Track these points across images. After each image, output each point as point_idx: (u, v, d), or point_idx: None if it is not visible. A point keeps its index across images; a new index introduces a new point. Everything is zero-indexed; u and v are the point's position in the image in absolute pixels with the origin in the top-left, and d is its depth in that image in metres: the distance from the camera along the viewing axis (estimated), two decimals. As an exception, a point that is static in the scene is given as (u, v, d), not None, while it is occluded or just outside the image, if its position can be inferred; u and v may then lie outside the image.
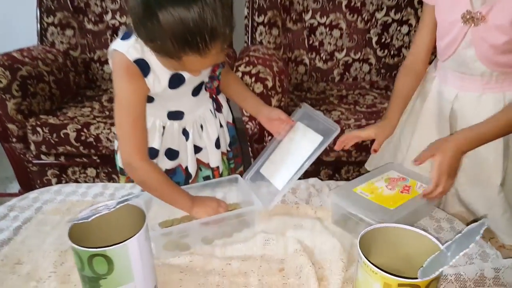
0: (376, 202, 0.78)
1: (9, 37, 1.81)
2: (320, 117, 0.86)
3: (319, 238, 0.77)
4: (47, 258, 0.75)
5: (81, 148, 1.47)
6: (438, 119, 0.97)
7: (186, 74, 0.85)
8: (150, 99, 0.88)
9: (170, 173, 1.00)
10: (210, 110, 0.99)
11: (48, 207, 0.92)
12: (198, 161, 1.02)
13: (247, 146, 1.49)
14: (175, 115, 0.94)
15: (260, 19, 1.76)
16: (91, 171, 1.58)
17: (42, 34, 1.86)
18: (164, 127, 0.95)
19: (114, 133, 1.40)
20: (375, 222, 0.72)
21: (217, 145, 1.01)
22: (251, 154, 1.51)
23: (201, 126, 0.98)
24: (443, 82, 0.96)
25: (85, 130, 1.45)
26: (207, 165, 1.03)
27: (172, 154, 0.99)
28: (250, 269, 0.72)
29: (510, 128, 0.84)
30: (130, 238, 0.58)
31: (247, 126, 1.41)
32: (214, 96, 0.99)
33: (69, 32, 1.87)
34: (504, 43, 0.80)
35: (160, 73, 0.82)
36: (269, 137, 1.43)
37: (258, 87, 1.34)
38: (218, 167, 1.04)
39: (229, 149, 1.07)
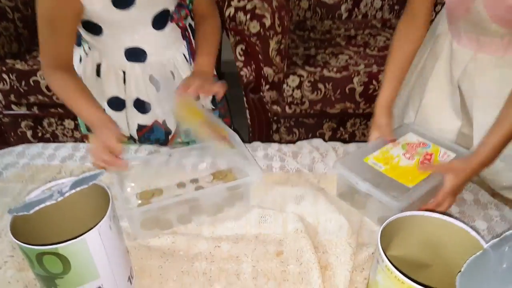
0: (391, 177, 0.66)
1: None
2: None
3: (323, 214, 0.66)
4: (4, 239, 0.65)
5: (54, 97, 1.32)
6: (451, 81, 0.82)
7: None
8: (97, 30, 0.74)
9: (144, 132, 0.87)
10: (184, 55, 0.83)
11: (9, 173, 0.80)
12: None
13: (241, 95, 1.34)
14: (134, 55, 0.79)
15: None
16: (68, 123, 1.44)
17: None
18: (124, 73, 0.80)
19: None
20: (389, 202, 0.60)
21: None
22: (246, 105, 1.36)
23: (172, 74, 0.83)
24: (456, 41, 0.79)
25: (58, 77, 1.29)
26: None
27: (142, 106, 0.84)
28: (243, 252, 0.62)
29: None
30: (89, 230, 0.46)
31: (242, 72, 1.24)
32: (188, 36, 0.83)
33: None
34: None
35: None
36: (267, 86, 1.27)
37: (254, 26, 1.15)
38: None
39: (213, 107, 0.93)
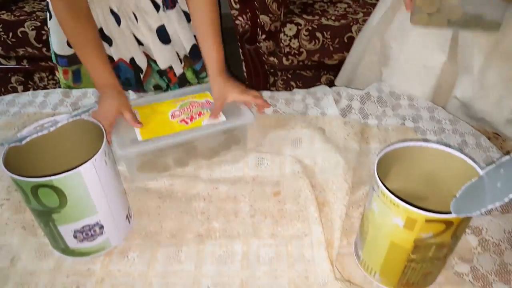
0: None
1: None
2: None
3: (320, 154, 0.66)
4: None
5: (44, 49, 1.28)
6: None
7: None
8: None
9: (114, 68, 0.84)
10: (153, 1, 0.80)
11: (0, 121, 0.79)
12: (146, 56, 0.87)
13: (237, 47, 1.31)
14: None
15: None
16: (60, 77, 1.41)
17: None
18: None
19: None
20: None
21: (163, 38, 0.84)
22: (242, 58, 1.33)
23: (135, 16, 0.81)
24: None
25: (46, 28, 1.25)
26: (159, 71, 0.89)
27: (107, 39, 0.82)
28: (241, 193, 0.62)
29: None
30: (83, 163, 0.46)
31: (237, 21, 1.21)
32: None
33: None
34: None
35: None
36: (263, 36, 1.24)
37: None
38: (171, 68, 0.88)
39: (200, 63, 0.91)
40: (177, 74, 0.89)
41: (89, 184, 0.47)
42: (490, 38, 0.79)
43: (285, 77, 1.36)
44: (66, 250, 0.52)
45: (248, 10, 1.18)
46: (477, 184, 0.42)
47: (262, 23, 1.20)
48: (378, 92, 0.81)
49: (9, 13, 1.29)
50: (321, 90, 0.83)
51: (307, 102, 0.79)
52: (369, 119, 0.76)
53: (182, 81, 0.91)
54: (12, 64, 1.37)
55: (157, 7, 0.81)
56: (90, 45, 0.72)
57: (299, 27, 1.22)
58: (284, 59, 1.28)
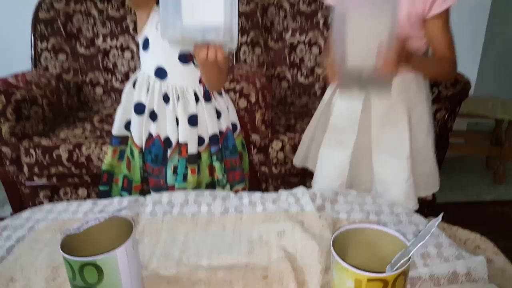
0: None
1: (3, 63, 1.84)
2: None
3: (300, 243, 0.80)
4: (40, 274, 0.77)
5: (72, 168, 1.49)
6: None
7: None
8: (145, 45, 1.03)
9: (149, 143, 1.08)
10: (194, 92, 1.06)
11: (40, 225, 0.94)
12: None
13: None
14: (160, 73, 1.04)
15: (244, 39, 1.83)
16: (82, 191, 1.60)
17: (36, 59, 1.91)
18: (150, 84, 1.05)
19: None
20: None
21: (192, 121, 1.07)
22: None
23: (178, 97, 1.06)
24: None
25: (76, 150, 1.48)
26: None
27: (153, 116, 1.07)
28: (235, 277, 0.75)
29: (439, 71, 1.05)
30: (118, 247, 0.61)
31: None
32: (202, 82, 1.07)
33: (62, 56, 1.92)
34: (405, 32, 0.97)
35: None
36: (255, 150, 1.47)
37: (243, 102, 1.39)
38: (186, 144, 1.08)
39: (216, 148, 1.11)
40: (189, 152, 1.09)
41: (120, 264, 0.61)
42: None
43: (275, 183, 1.55)
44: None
45: (242, 131, 1.43)
46: (405, 252, 0.57)
47: (254, 140, 1.44)
48: (344, 196, 0.99)
49: (48, 139, 1.54)
50: (300, 191, 1.00)
51: (289, 201, 0.96)
52: (340, 214, 0.92)
53: (192, 159, 1.10)
54: (43, 181, 1.57)
55: (197, 98, 1.07)
56: None
57: (284, 143, 1.46)
58: (273, 168, 1.49)
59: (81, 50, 1.93)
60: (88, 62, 1.94)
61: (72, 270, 0.60)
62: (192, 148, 1.09)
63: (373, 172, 1.11)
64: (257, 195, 1.00)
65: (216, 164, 1.13)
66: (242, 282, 0.73)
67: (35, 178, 1.55)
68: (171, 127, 1.08)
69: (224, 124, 1.12)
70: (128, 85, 1.09)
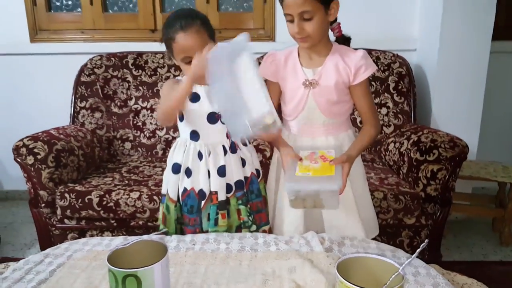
0: (319, 175, 1.03)
1: (47, 118, 2.06)
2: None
3: (309, 276, 0.89)
4: None
5: (101, 212, 1.62)
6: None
7: (200, 92, 1.19)
8: (181, 118, 1.20)
9: (186, 195, 1.22)
10: (223, 146, 1.21)
11: (77, 255, 1.05)
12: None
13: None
14: (193, 136, 1.21)
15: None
16: (107, 234, 1.71)
17: (74, 116, 2.13)
18: (186, 146, 1.22)
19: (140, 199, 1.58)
20: (333, 189, 0.99)
21: (220, 172, 1.21)
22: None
23: (210, 152, 1.20)
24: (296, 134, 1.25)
25: (107, 196, 1.62)
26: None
27: (188, 172, 1.22)
28: None
29: (369, 143, 1.21)
30: (156, 263, 0.72)
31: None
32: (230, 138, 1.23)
33: (97, 114, 2.15)
34: (334, 98, 1.17)
35: None
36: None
37: (258, 156, 1.54)
38: (216, 192, 1.21)
39: (241, 192, 1.25)
40: (219, 199, 1.22)
41: (155, 277, 0.72)
42: None
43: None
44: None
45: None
46: (397, 276, 0.67)
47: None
48: (351, 240, 1.09)
49: (81, 185, 1.69)
50: (310, 235, 1.10)
51: (300, 242, 1.06)
52: (346, 255, 1.01)
53: (222, 206, 1.23)
54: (72, 223, 1.69)
55: (225, 151, 1.21)
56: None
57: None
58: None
59: (115, 109, 2.16)
60: (120, 120, 2.16)
61: (116, 280, 0.71)
62: (221, 196, 1.22)
63: (323, 220, 1.24)
64: (271, 236, 1.11)
65: (242, 208, 1.25)
66: (257, 307, 0.82)
67: (65, 220, 1.68)
68: (204, 179, 1.21)
69: (249, 170, 1.26)
70: (170, 151, 1.27)
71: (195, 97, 1.20)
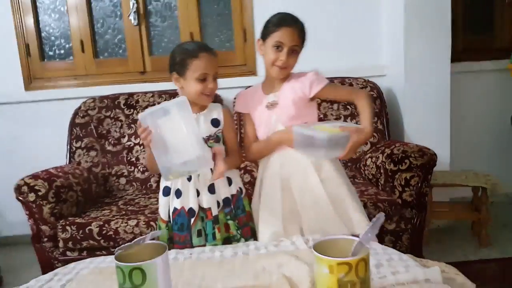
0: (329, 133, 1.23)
1: (45, 161, 2.13)
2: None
3: (295, 268, 1.00)
4: None
5: (102, 241, 1.71)
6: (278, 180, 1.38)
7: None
8: None
9: (176, 214, 1.32)
10: (211, 169, 1.31)
11: (84, 271, 1.15)
12: (199, 205, 1.34)
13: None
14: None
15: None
16: (108, 264, 1.79)
17: (71, 156, 2.25)
18: None
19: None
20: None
21: (211, 190, 1.33)
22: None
23: (199, 175, 1.32)
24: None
25: (106, 225, 1.72)
26: (202, 209, 1.34)
27: (178, 193, 1.33)
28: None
29: (370, 107, 1.35)
30: (158, 257, 0.83)
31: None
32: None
33: (92, 153, 2.27)
34: (292, 113, 1.35)
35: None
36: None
37: (247, 177, 1.67)
38: (210, 209, 1.32)
39: (229, 208, 1.36)
40: (213, 214, 1.33)
41: (158, 270, 0.82)
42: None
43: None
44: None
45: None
46: (358, 244, 0.79)
47: (258, 210, 1.69)
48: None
49: (80, 218, 1.79)
50: (295, 237, 1.21)
51: (287, 244, 1.17)
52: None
53: (216, 219, 1.34)
54: (74, 255, 1.77)
55: (212, 172, 1.31)
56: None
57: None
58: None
59: (109, 147, 2.29)
60: (114, 157, 2.28)
61: (123, 274, 0.81)
62: (215, 211, 1.34)
63: (303, 229, 1.35)
64: (261, 243, 1.22)
65: (230, 222, 1.36)
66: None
67: (68, 252, 1.75)
68: (193, 199, 1.33)
69: (234, 188, 1.38)
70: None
71: None
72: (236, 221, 1.37)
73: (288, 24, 1.31)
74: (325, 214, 1.32)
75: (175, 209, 1.34)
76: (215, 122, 1.37)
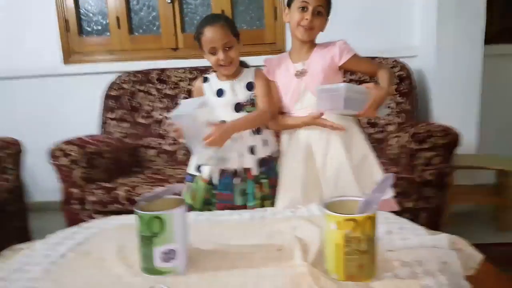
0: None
1: (79, 131, 2.23)
2: None
3: (307, 230, 1.03)
4: (110, 249, 0.99)
5: (127, 205, 1.80)
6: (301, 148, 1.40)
7: (225, 87, 1.41)
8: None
9: (221, 177, 1.40)
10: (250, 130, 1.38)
11: (107, 226, 1.22)
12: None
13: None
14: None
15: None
16: (134, 227, 1.87)
17: (103, 126, 2.35)
18: None
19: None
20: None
21: (251, 151, 1.39)
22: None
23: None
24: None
25: (132, 190, 1.80)
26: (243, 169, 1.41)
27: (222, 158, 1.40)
28: (257, 250, 0.95)
29: (391, 75, 1.41)
30: (176, 208, 0.88)
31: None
32: None
33: (124, 124, 2.36)
34: (321, 81, 1.36)
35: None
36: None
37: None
38: (250, 169, 1.39)
39: (265, 168, 1.42)
40: (253, 174, 1.40)
41: (175, 220, 0.87)
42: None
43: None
44: (152, 269, 0.87)
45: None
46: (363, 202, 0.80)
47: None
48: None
49: (109, 184, 1.88)
50: (312, 205, 1.24)
51: (303, 210, 1.20)
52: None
53: (256, 179, 1.41)
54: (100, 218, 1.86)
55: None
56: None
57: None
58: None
59: (140, 120, 2.37)
60: (145, 129, 2.36)
61: (143, 222, 0.86)
62: (255, 171, 1.40)
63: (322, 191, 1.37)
64: (278, 209, 1.25)
65: (264, 182, 1.42)
66: (262, 252, 0.95)
67: (94, 215, 1.85)
68: (235, 160, 1.40)
69: (269, 150, 1.44)
70: None
71: (220, 92, 1.42)
72: (267, 180, 1.42)
73: None
74: (346, 183, 1.32)
75: (222, 170, 1.40)
76: (249, 86, 1.43)
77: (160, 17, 2.60)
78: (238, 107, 1.41)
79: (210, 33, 1.34)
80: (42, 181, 2.57)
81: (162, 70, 2.43)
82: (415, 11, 2.43)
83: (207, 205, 1.43)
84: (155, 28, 2.66)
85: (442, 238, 0.91)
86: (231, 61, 1.38)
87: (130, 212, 1.79)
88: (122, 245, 1.01)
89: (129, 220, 1.23)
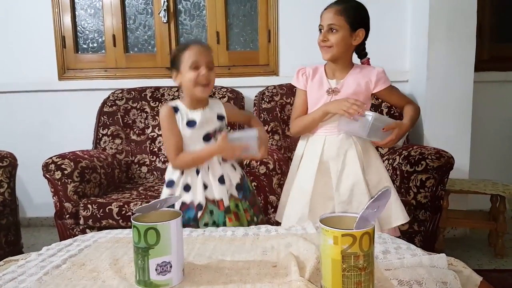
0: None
1: (73, 146, 2.24)
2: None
3: (302, 247, 1.03)
4: (104, 261, 1.01)
5: (120, 220, 1.78)
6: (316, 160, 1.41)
7: (196, 118, 1.36)
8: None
9: (185, 207, 1.34)
10: (217, 158, 1.36)
11: (102, 239, 1.21)
12: (206, 199, 1.36)
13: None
14: None
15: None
16: (124, 244, 1.85)
17: (97, 142, 2.35)
18: None
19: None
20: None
21: (221, 181, 1.36)
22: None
23: (208, 167, 1.35)
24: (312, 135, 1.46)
25: (125, 206, 1.79)
26: (212, 202, 1.36)
27: (187, 187, 1.36)
28: (252, 266, 0.96)
29: (415, 113, 1.45)
30: (172, 219, 0.88)
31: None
32: None
33: (117, 140, 2.36)
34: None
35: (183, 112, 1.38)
36: (272, 209, 1.73)
37: (262, 169, 1.70)
38: (222, 200, 1.35)
39: (241, 193, 1.41)
40: (225, 205, 1.35)
41: (171, 231, 0.87)
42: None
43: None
44: (147, 282, 0.86)
45: (261, 193, 1.72)
46: (360, 219, 0.81)
47: (271, 200, 1.71)
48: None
49: (101, 199, 1.86)
50: (306, 223, 1.24)
51: (297, 228, 1.20)
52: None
53: (228, 210, 1.37)
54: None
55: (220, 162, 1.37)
56: (192, 153, 1.36)
57: (298, 204, 1.73)
58: (288, 228, 1.73)
59: (134, 136, 2.38)
60: (138, 146, 2.36)
61: (139, 233, 0.86)
62: (226, 202, 1.37)
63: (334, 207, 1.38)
64: (272, 226, 1.25)
65: (247, 206, 1.41)
66: (257, 268, 0.95)
67: (87, 230, 1.83)
68: (200, 193, 1.36)
69: (239, 172, 1.43)
70: (168, 169, 1.42)
71: (191, 123, 1.36)
72: (247, 202, 1.41)
73: (328, 6, 1.39)
74: (360, 203, 1.33)
75: (183, 203, 1.36)
76: (220, 117, 1.42)
77: (156, 37, 2.65)
78: (207, 137, 1.39)
79: (196, 48, 1.33)
80: (36, 197, 2.54)
81: (156, 88, 2.46)
82: (406, 37, 2.51)
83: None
84: (150, 47, 2.70)
85: (440, 258, 0.92)
86: (210, 82, 1.36)
87: (123, 227, 1.81)
88: (117, 258, 1.00)
89: (124, 234, 1.24)
